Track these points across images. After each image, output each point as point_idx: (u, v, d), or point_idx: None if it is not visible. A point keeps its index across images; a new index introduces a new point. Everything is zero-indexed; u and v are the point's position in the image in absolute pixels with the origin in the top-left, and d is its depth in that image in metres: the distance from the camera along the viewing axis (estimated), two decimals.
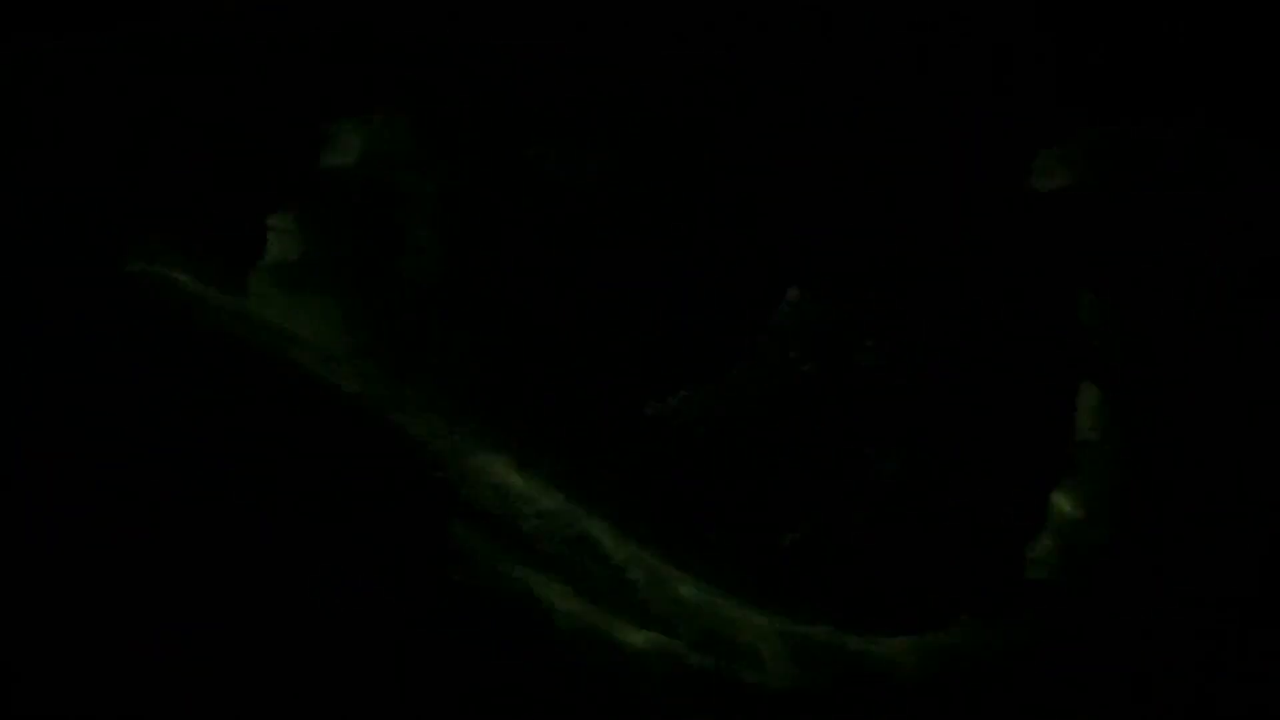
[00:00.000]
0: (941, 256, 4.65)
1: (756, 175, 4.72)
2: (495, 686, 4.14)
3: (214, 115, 4.60)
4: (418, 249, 4.60)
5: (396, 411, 4.34)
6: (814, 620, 4.30)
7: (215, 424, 4.27)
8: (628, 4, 4.74)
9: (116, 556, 4.20)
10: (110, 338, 4.34)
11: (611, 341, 4.57)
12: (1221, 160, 4.62)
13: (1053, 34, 4.67)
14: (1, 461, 4.21)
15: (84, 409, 4.28)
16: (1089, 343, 4.53)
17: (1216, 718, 4.27)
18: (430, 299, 4.56)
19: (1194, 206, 4.61)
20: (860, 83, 4.73)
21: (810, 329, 4.60)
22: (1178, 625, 4.31)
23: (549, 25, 4.73)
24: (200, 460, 4.25)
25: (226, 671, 4.14)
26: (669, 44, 4.74)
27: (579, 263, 4.63)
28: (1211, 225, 4.60)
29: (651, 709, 4.13)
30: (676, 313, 4.61)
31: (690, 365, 4.57)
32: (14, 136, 4.43)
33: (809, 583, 4.37)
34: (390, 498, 4.24)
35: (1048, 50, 4.69)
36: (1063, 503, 4.42)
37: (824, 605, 4.34)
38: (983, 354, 4.58)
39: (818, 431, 4.53)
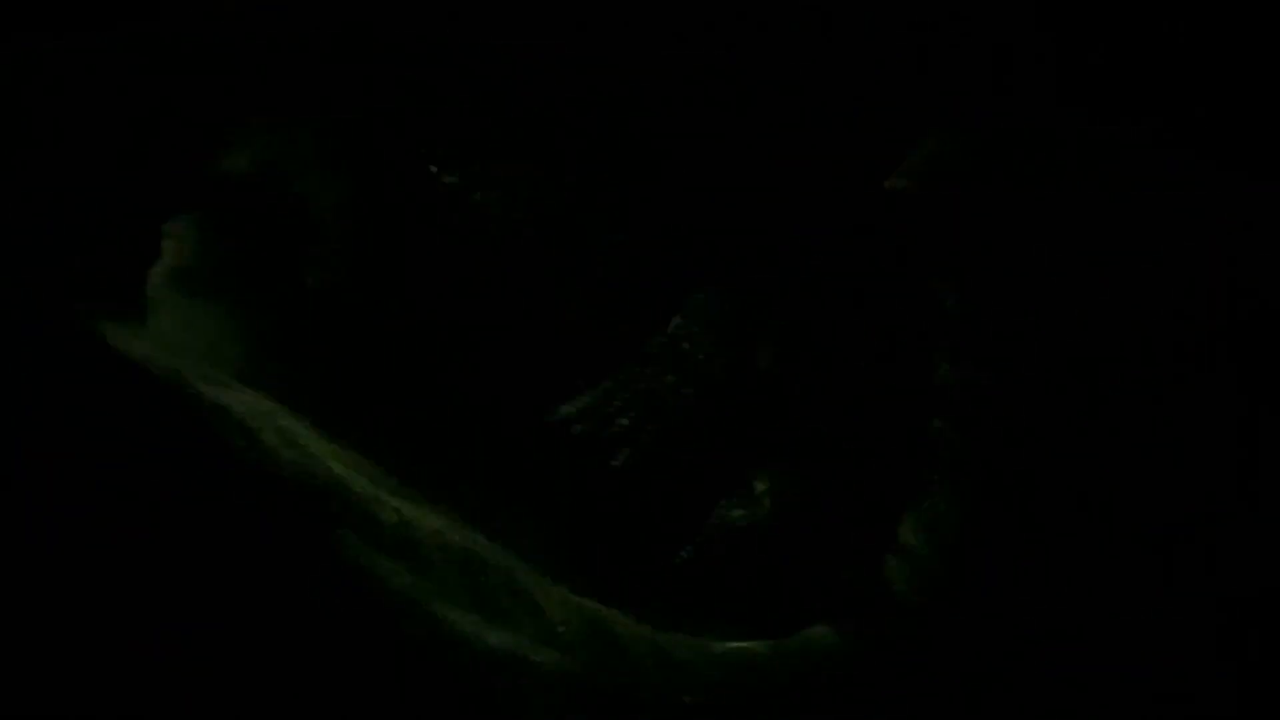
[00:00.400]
0: (863, 260, 4.68)
1: (679, 175, 4.73)
2: (383, 697, 4.11)
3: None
4: (320, 258, 4.57)
5: (288, 426, 4.28)
6: (681, 626, 4.32)
7: (102, 436, 4.18)
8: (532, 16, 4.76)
9: None
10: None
11: (507, 351, 4.56)
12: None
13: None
14: None
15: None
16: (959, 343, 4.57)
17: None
18: (330, 309, 4.53)
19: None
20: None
21: (710, 333, 4.61)
22: (1032, 629, 4.34)
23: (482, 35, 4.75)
24: (84, 475, 4.15)
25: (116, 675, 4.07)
26: (579, 57, 4.75)
27: (481, 270, 4.62)
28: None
29: (530, 714, 4.12)
30: (574, 319, 4.61)
31: (585, 373, 4.57)
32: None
33: (685, 590, 4.39)
34: (280, 512, 4.18)
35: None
36: (913, 516, 4.44)
37: (692, 611, 4.36)
38: (870, 358, 4.60)
39: (706, 440, 4.54)
